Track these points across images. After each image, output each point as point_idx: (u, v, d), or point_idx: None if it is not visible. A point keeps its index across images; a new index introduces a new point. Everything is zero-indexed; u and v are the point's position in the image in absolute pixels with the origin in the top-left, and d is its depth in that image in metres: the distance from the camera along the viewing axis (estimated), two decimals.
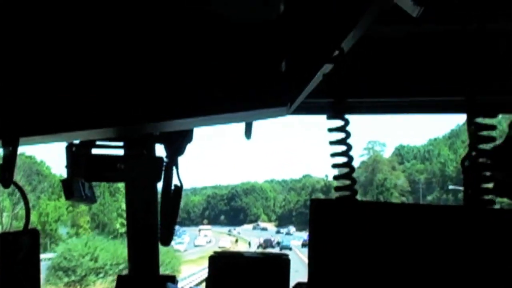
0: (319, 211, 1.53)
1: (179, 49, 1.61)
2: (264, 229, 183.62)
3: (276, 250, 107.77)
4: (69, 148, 2.02)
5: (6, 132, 1.61)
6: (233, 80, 1.58)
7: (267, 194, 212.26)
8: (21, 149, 1.74)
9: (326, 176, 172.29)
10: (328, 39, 1.56)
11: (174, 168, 2.00)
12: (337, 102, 1.61)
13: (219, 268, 1.71)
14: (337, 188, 1.71)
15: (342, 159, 1.65)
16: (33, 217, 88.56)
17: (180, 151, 2.01)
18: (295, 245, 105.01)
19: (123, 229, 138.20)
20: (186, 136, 2.03)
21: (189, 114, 1.59)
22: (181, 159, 2.30)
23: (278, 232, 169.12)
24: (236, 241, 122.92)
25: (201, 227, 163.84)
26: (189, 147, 2.21)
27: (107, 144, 1.98)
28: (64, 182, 2.02)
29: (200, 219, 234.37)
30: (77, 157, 2.00)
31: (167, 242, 1.99)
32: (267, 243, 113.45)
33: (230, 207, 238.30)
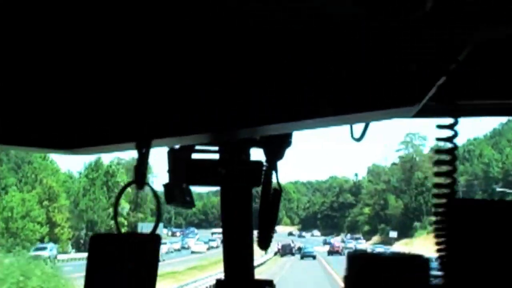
0: (462, 212, 1.49)
1: (285, 50, 1.58)
2: (291, 233, 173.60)
3: (296, 257, 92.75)
4: (170, 153, 2.04)
5: (140, 134, 1.69)
6: (355, 80, 1.55)
7: (290, 195, 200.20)
8: None
9: (356, 175, 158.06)
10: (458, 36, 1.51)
11: (273, 172, 2.01)
12: (448, 104, 1.60)
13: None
14: (437, 186, 1.63)
15: (446, 160, 1.63)
16: None
17: (280, 155, 2.01)
18: (320, 252, 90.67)
19: (123, 230, 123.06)
20: (285, 141, 2.02)
21: (294, 117, 1.60)
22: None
23: (300, 236, 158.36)
24: None
25: (214, 230, 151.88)
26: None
27: (206, 148, 2.01)
28: (166, 186, 2.05)
29: (219, 221, 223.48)
30: (178, 161, 2.02)
31: (265, 246, 2.02)
32: (286, 249, 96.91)
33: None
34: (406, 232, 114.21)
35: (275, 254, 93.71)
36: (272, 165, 1.99)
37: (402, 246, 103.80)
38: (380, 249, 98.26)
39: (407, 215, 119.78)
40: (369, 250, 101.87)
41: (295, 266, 67.51)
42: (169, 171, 2.04)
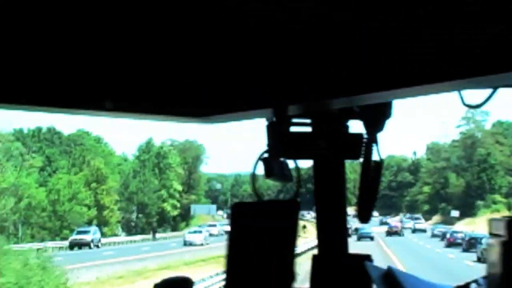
0: None
1: (386, 14, 1.52)
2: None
3: (352, 239, 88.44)
4: (269, 127, 2.03)
5: (276, 100, 1.73)
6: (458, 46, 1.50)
7: (346, 175, 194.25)
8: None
9: (414, 153, 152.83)
10: None
11: (373, 144, 2.00)
12: None
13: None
14: None
15: None
16: (42, 195, 70.83)
17: (380, 127, 2.00)
18: (377, 233, 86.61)
19: (175, 212, 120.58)
20: (385, 112, 2.00)
21: (395, 85, 1.60)
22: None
23: (355, 216, 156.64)
24: (304, 227, 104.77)
25: None
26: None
27: (303, 121, 2.01)
28: (264, 160, 2.05)
29: None
30: (277, 135, 2.01)
31: (366, 219, 2.01)
32: None
33: (306, 190, 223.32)
34: (468, 211, 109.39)
35: None
36: (372, 137, 1.95)
37: (465, 226, 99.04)
38: (441, 229, 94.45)
39: (469, 193, 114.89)
40: (428, 231, 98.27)
41: (350, 249, 63.38)
42: (268, 145, 2.01)
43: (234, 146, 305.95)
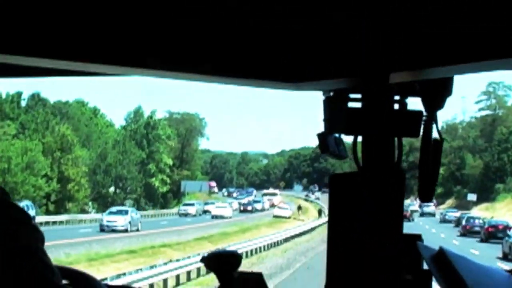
0: None
1: None
2: None
3: None
4: (327, 102, 2.04)
5: (379, 67, 1.72)
6: None
7: (357, 153, 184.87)
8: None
9: None
10: None
11: (433, 122, 1.99)
12: None
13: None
14: None
15: None
16: None
17: (439, 104, 1.98)
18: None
19: (165, 188, 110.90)
20: (446, 89, 1.98)
21: (455, 60, 1.61)
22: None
23: None
24: (300, 208, 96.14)
25: (264, 191, 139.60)
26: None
27: (359, 97, 2.00)
28: (320, 135, 2.06)
29: (280, 182, 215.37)
30: (334, 110, 2.03)
31: (427, 198, 1.97)
32: None
33: (313, 169, 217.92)
34: (486, 195, 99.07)
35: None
36: (431, 114, 1.93)
37: (482, 211, 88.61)
38: (455, 213, 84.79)
39: (487, 175, 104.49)
40: (437, 216, 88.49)
41: None
42: (325, 119, 2.03)
43: (243, 125, 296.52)
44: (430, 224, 74.93)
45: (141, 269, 25.24)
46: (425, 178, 1.91)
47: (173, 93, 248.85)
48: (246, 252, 35.50)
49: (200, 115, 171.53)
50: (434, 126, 1.93)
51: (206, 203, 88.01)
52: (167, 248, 35.22)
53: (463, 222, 64.57)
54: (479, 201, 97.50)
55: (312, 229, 60.26)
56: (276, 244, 42.35)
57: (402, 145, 1.90)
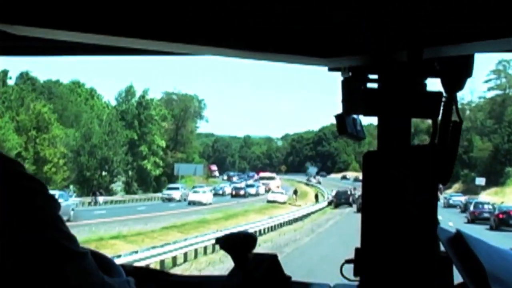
0: None
1: None
2: (344, 177, 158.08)
3: (351, 210, 74.00)
4: (345, 83, 2.04)
5: (413, 42, 1.73)
6: None
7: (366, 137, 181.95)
8: None
9: None
10: None
11: (452, 103, 2.00)
12: None
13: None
14: None
15: None
16: None
17: (460, 85, 1.98)
18: None
19: (157, 171, 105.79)
20: (466, 70, 1.97)
21: (476, 37, 1.63)
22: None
23: (357, 180, 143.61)
24: (295, 193, 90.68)
25: (261, 174, 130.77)
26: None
27: (376, 78, 2.02)
28: (338, 117, 2.06)
29: (282, 165, 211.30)
30: (352, 91, 2.04)
31: (445, 179, 1.97)
32: (341, 198, 77.16)
33: (316, 152, 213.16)
34: (495, 179, 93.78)
35: (329, 204, 74.49)
36: (451, 96, 1.93)
37: (491, 196, 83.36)
38: (460, 197, 79.81)
39: (497, 158, 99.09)
40: (442, 200, 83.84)
41: (341, 224, 47.79)
42: (343, 100, 2.03)
43: (247, 109, 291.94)
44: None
45: None
46: (444, 160, 1.88)
47: (174, 75, 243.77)
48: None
49: (199, 96, 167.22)
50: (453, 107, 1.90)
51: (194, 187, 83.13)
52: (119, 240, 29.83)
53: (471, 208, 59.35)
54: (488, 185, 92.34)
55: (306, 215, 55.13)
56: (259, 233, 37.23)
57: (437, 123, 1.88)
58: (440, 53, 1.81)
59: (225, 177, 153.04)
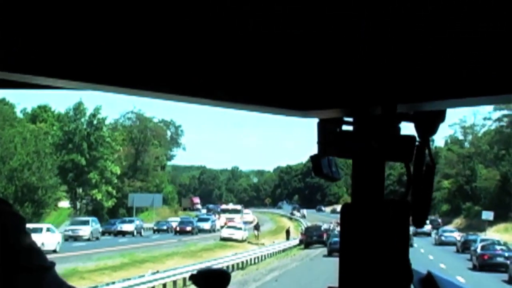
0: None
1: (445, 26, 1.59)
2: (320, 209, 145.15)
3: (321, 251, 59.03)
4: (320, 124, 2.07)
5: (386, 97, 1.76)
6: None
7: (350, 169, 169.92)
8: None
9: (432, 141, 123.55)
10: None
11: (425, 147, 2.02)
12: None
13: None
14: None
15: None
16: None
17: (433, 130, 1.99)
18: None
19: (110, 202, 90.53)
20: (439, 115, 2.00)
21: (447, 95, 1.66)
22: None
23: (334, 212, 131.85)
24: (257, 228, 74.85)
25: (223, 206, 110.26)
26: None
27: (352, 121, 2.05)
28: (313, 157, 2.09)
29: (266, 198, 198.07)
30: (327, 133, 2.07)
31: (420, 224, 1.98)
32: (312, 234, 61.81)
33: (304, 184, 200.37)
34: (504, 213, 79.38)
35: (300, 243, 59.58)
36: (424, 140, 1.95)
37: (500, 234, 69.09)
38: (453, 233, 66.85)
39: (505, 189, 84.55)
40: (433, 236, 70.22)
41: (290, 276, 33.33)
42: (318, 142, 2.06)
43: (239, 142, 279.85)
44: (427, 248, 55.02)
45: None
46: (418, 203, 1.96)
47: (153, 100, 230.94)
48: None
49: (176, 122, 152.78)
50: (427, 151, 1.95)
51: (123, 221, 68.70)
52: None
53: (478, 249, 44.26)
54: (496, 220, 77.77)
55: (255, 262, 40.50)
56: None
57: (410, 170, 1.91)
58: (414, 109, 1.85)
59: (204, 210, 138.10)
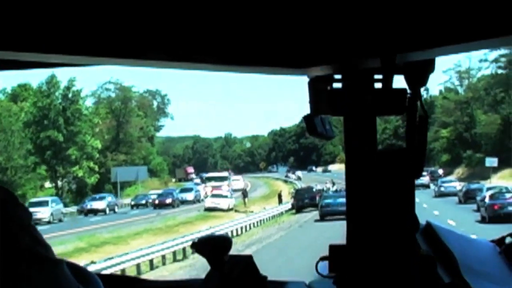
0: None
1: None
2: (311, 170, 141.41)
3: (313, 214, 54.49)
4: (311, 84, 2.13)
5: (385, 49, 1.79)
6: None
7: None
8: None
9: (427, 90, 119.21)
10: None
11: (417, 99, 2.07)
12: None
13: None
14: None
15: None
16: None
17: (423, 81, 2.04)
18: None
19: (92, 178, 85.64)
20: (429, 66, 2.03)
21: (439, 42, 1.69)
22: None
23: (326, 171, 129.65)
24: (245, 194, 70.38)
25: (209, 174, 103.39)
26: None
27: (340, 78, 2.11)
28: (306, 118, 2.14)
29: (264, 162, 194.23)
30: (318, 91, 2.12)
31: (417, 174, 2.05)
32: (303, 197, 56.92)
33: (299, 145, 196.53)
34: (507, 158, 74.52)
35: (292, 208, 54.94)
36: (415, 92, 1.99)
37: (506, 180, 64.61)
38: (454, 183, 62.62)
39: (507, 133, 79.86)
40: (432, 187, 66.02)
41: (272, 248, 28.68)
42: (310, 101, 2.12)
43: (232, 109, 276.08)
44: (428, 202, 50.38)
45: None
46: (413, 154, 1.98)
47: (144, 71, 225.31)
48: None
49: (162, 91, 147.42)
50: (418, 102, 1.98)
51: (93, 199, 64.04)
52: None
53: (487, 200, 39.63)
54: (499, 167, 73.42)
55: (237, 233, 36.02)
56: None
57: (427, 129, 1.96)
58: (411, 58, 1.87)
59: (197, 180, 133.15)
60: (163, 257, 26.41)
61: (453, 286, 1.91)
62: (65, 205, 74.33)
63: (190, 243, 29.24)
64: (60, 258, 1.41)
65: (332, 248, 2.02)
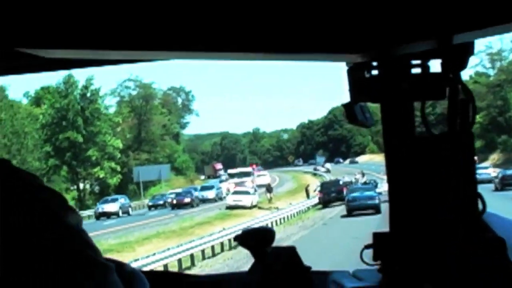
0: None
1: None
2: (353, 161, 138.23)
3: (339, 209, 52.60)
4: (350, 72, 2.13)
5: (441, 30, 1.77)
6: None
7: (377, 116, 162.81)
8: None
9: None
10: None
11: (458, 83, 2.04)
12: None
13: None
14: None
15: None
16: None
17: (463, 65, 2.00)
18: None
19: (115, 179, 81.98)
20: (468, 49, 1.99)
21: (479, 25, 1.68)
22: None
23: (352, 162, 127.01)
24: (269, 190, 66.46)
25: (231, 170, 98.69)
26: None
27: (376, 65, 2.10)
28: (346, 106, 2.14)
29: (293, 157, 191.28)
30: (357, 80, 2.12)
31: (469, 159, 2.02)
32: (329, 192, 55.34)
33: (328, 137, 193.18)
34: None
35: (319, 202, 51.95)
36: (455, 76, 1.96)
37: None
38: (487, 170, 59.15)
39: None
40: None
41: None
42: (350, 89, 2.11)
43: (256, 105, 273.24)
44: None
45: None
46: (459, 139, 1.95)
47: (169, 69, 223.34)
48: None
49: (186, 88, 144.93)
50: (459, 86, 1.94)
51: (107, 201, 61.16)
52: None
53: None
54: None
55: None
56: None
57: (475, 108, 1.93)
58: (469, 38, 1.83)
59: (224, 177, 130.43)
60: (165, 266, 23.38)
61: None
62: (87, 207, 72.23)
63: (196, 249, 26.01)
64: (109, 262, 1.37)
65: (376, 236, 1.99)
